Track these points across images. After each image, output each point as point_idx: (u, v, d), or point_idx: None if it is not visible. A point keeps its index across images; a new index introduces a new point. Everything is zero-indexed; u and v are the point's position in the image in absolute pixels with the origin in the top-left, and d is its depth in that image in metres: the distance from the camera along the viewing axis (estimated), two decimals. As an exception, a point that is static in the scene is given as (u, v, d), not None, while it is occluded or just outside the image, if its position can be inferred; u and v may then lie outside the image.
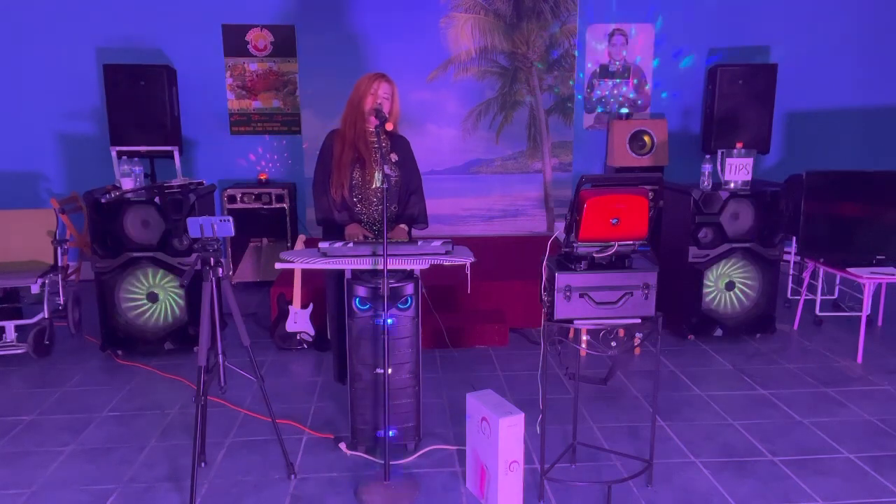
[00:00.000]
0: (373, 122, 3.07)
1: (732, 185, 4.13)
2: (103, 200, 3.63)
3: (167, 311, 3.97)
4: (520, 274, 4.56)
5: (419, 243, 2.82)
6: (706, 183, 4.15)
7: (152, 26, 5.47)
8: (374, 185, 3.14)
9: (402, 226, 3.25)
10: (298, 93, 5.62)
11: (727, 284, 4.18)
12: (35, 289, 3.92)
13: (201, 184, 4.31)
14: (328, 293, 3.37)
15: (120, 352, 3.99)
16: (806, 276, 4.44)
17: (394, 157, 3.08)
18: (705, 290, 4.16)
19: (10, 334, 3.99)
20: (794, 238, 4.57)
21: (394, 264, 2.65)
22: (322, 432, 3.08)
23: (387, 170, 2.56)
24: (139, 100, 5.04)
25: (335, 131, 3.23)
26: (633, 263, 2.46)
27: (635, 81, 5.94)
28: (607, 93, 5.96)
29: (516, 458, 2.45)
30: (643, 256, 2.52)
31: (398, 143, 3.25)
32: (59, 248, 4.16)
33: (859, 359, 3.92)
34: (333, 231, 3.21)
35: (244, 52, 5.62)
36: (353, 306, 2.75)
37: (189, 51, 5.52)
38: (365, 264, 2.71)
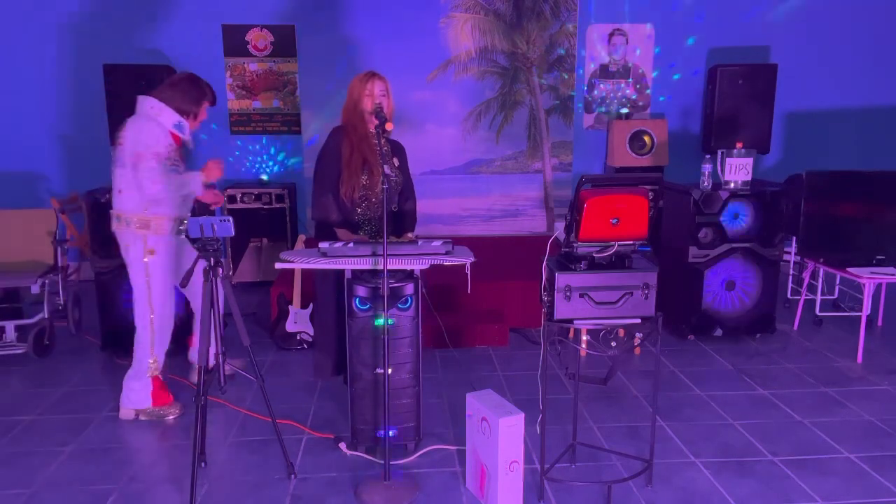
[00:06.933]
0: (373, 123, 3.03)
1: (732, 185, 4.13)
2: (103, 200, 3.64)
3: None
4: (520, 274, 4.55)
5: (419, 243, 2.82)
6: (706, 183, 4.14)
7: (152, 26, 5.47)
8: (379, 188, 3.11)
9: (410, 234, 3.22)
10: (298, 93, 5.62)
11: (727, 284, 4.18)
12: (35, 289, 3.92)
13: (201, 184, 4.29)
14: (322, 289, 3.29)
15: (120, 352, 3.98)
16: (806, 276, 4.44)
17: (396, 161, 3.10)
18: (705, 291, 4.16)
19: (10, 334, 3.99)
20: (794, 238, 4.56)
21: (394, 264, 2.66)
22: (322, 432, 3.09)
23: (387, 170, 2.58)
24: (139, 100, 5.03)
25: (339, 129, 3.17)
26: (632, 263, 2.46)
27: (638, 83, 5.94)
28: (608, 93, 5.95)
29: (516, 458, 2.45)
30: (643, 256, 2.52)
31: (397, 147, 3.31)
32: (59, 248, 4.16)
33: (859, 359, 3.92)
34: (326, 232, 3.16)
35: (244, 52, 5.62)
36: (353, 306, 2.75)
37: (189, 51, 5.51)
38: (365, 264, 2.71)
